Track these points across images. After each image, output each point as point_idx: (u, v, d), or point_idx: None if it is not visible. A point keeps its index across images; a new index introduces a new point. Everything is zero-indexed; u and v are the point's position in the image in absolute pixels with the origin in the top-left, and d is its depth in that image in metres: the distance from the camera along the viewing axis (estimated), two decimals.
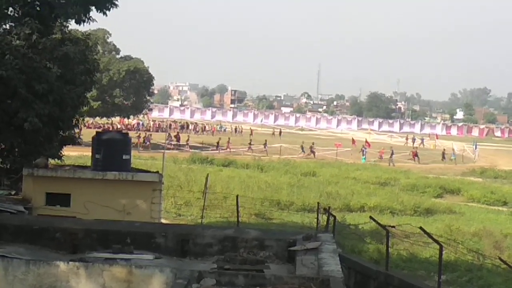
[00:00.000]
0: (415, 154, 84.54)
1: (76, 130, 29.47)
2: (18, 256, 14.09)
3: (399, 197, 48.23)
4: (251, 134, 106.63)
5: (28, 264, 13.43)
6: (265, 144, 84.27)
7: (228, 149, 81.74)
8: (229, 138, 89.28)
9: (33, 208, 20.60)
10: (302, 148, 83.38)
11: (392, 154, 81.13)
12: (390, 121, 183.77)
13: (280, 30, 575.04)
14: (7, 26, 27.82)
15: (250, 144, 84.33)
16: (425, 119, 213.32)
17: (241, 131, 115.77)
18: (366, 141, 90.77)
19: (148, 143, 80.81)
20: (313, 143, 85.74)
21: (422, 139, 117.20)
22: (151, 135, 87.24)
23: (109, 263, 13.67)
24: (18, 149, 25.75)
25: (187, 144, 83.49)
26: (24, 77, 24.74)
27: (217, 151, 79.35)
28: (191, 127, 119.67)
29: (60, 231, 15.95)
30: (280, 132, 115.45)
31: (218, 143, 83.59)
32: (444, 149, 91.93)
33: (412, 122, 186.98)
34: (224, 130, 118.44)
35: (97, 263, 13.68)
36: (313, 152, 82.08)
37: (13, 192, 22.37)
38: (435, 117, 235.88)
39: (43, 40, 26.13)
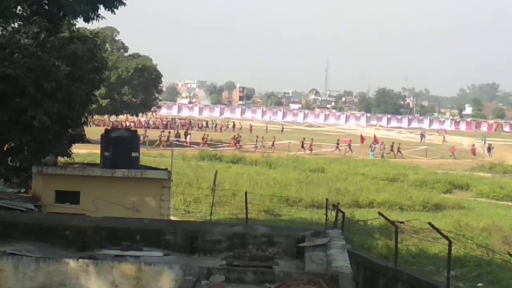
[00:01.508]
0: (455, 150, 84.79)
1: (85, 128, 29.56)
2: (28, 254, 14.15)
3: (408, 192, 48.21)
4: (251, 130, 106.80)
5: (38, 261, 13.48)
6: (273, 142, 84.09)
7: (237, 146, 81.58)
8: (239, 135, 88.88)
9: (43, 206, 20.67)
10: (303, 144, 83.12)
11: (398, 148, 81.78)
12: (399, 117, 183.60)
13: (289, 27, 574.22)
14: (16, 25, 27.94)
15: (256, 141, 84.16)
16: (433, 115, 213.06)
17: (240, 128, 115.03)
18: (375, 137, 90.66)
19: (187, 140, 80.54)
20: (311, 140, 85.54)
21: (422, 135, 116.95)
22: (188, 131, 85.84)
23: (118, 260, 13.71)
24: (27, 147, 25.85)
25: (187, 141, 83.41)
26: (33, 76, 24.83)
27: (233, 148, 79.51)
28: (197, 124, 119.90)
29: (69, 229, 16.01)
30: (283, 129, 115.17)
31: (234, 138, 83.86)
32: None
33: (421, 117, 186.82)
34: (233, 127, 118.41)
35: (106, 260, 13.72)
36: (307, 148, 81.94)
37: (22, 190, 22.45)
38: (443, 113, 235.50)
39: (52, 39, 26.21)
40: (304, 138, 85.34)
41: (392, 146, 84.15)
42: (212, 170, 41.92)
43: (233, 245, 15.69)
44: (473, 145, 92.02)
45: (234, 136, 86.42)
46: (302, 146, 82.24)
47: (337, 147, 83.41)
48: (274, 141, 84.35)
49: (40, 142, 25.40)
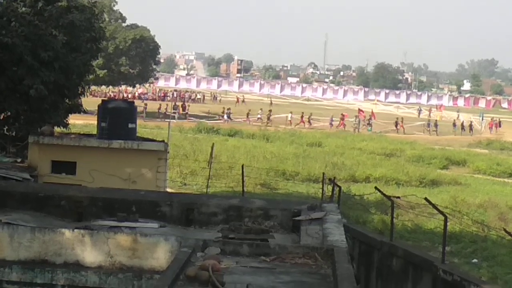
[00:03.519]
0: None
1: (82, 98, 29.47)
2: (23, 223, 14.15)
3: (404, 168, 48.23)
4: (237, 102, 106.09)
5: (34, 231, 13.48)
6: (269, 115, 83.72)
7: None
8: (228, 109, 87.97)
9: (39, 176, 20.65)
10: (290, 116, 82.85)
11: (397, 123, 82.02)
12: (397, 92, 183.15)
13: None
14: None
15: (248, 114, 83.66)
16: (432, 90, 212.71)
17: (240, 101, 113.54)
18: (372, 112, 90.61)
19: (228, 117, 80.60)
20: (310, 114, 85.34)
21: (419, 110, 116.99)
22: (229, 109, 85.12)
23: (114, 231, 13.72)
24: (24, 117, 25.78)
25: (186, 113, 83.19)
26: (30, 45, 24.70)
27: (222, 121, 79.10)
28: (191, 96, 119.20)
29: (65, 199, 16.01)
30: (271, 103, 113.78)
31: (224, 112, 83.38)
32: (458, 121, 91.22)
33: (419, 93, 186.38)
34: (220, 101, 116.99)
35: (102, 231, 13.72)
36: (306, 121, 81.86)
37: (18, 160, 22.43)
38: (442, 88, 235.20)
39: (49, 8, 26.05)
40: (303, 112, 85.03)
41: (396, 122, 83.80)
42: (209, 143, 41.90)
43: (229, 217, 15.71)
44: (460, 120, 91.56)
45: (224, 109, 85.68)
46: (302, 120, 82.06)
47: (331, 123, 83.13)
48: (270, 115, 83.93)
49: (37, 112, 25.33)
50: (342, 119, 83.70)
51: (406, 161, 53.60)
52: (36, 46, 24.80)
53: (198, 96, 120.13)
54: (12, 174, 19.58)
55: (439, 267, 17.45)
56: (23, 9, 25.83)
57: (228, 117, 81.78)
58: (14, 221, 14.33)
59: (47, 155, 21.20)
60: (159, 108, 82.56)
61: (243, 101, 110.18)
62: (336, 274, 10.76)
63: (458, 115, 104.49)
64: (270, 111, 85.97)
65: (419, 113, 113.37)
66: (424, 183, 43.88)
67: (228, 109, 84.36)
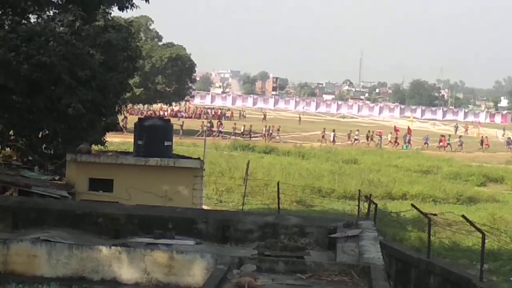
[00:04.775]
0: None
1: (120, 117, 29.74)
2: (61, 241, 14.26)
3: (441, 185, 47.87)
4: (264, 119, 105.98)
5: (71, 248, 13.59)
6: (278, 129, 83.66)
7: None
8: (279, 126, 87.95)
9: (76, 193, 20.84)
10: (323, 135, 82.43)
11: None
12: (433, 108, 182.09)
13: (323, 17, 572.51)
14: (51, 13, 28.17)
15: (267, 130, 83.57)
16: (468, 107, 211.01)
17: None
18: (409, 129, 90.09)
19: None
20: (279, 126, 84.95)
21: (456, 126, 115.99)
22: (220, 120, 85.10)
23: (150, 248, 13.78)
24: (62, 135, 26.07)
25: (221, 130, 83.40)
26: (67, 64, 25.01)
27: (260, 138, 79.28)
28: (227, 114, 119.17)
29: (102, 216, 16.11)
30: (300, 119, 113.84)
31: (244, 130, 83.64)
32: (483, 136, 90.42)
33: (455, 110, 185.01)
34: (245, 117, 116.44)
35: (138, 248, 13.79)
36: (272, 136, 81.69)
37: (56, 177, 22.65)
38: (479, 105, 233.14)
39: (86, 27, 26.37)
40: (324, 129, 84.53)
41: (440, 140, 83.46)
42: (244, 160, 41.94)
43: (265, 235, 15.68)
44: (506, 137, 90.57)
45: (244, 127, 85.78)
46: (323, 137, 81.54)
47: (370, 139, 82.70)
48: (279, 130, 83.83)
49: (75, 130, 25.60)
50: (368, 137, 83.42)
51: (443, 178, 53.18)
52: (74, 65, 25.10)
53: (227, 114, 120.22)
54: (50, 191, 19.78)
55: (477, 285, 17.23)
56: (61, 28, 26.18)
57: (270, 134, 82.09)
58: (52, 238, 14.45)
59: (84, 172, 21.39)
60: (202, 126, 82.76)
61: (264, 118, 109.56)
62: None
63: (504, 132, 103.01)
64: (274, 127, 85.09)
65: (456, 130, 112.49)
66: (461, 200, 43.49)
67: (271, 126, 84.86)
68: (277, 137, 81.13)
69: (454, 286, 18.35)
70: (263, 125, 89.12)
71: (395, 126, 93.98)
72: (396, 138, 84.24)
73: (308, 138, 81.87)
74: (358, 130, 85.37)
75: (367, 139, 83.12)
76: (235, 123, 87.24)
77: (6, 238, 14.15)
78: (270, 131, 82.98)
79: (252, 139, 78.26)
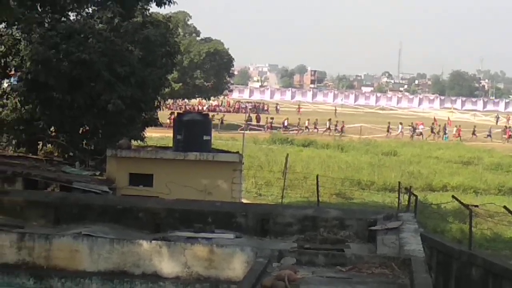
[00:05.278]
0: None
1: (158, 112, 29.89)
2: (102, 235, 14.42)
3: (482, 176, 47.41)
4: (299, 112, 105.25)
5: (112, 243, 13.73)
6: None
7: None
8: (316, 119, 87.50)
9: (117, 189, 21.01)
10: (329, 125, 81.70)
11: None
12: (474, 99, 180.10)
13: (361, 8, 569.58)
14: (90, 10, 28.42)
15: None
16: (509, 97, 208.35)
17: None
18: (449, 120, 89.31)
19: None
20: (389, 123, 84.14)
21: (497, 117, 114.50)
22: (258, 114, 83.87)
23: (190, 242, 13.87)
24: (102, 131, 26.31)
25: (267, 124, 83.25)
26: (107, 60, 25.22)
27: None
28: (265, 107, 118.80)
29: (143, 211, 16.24)
30: (335, 111, 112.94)
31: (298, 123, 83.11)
32: None
33: (496, 100, 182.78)
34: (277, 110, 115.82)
35: (179, 242, 13.89)
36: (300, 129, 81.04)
37: (97, 173, 22.86)
38: None
39: (125, 24, 26.56)
40: (330, 119, 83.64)
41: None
42: (283, 154, 41.96)
43: (304, 228, 15.68)
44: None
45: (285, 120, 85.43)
46: (329, 128, 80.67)
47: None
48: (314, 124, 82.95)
49: (114, 126, 25.82)
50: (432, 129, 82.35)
51: (484, 169, 52.63)
52: (113, 61, 25.30)
53: (265, 108, 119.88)
54: (91, 187, 19.98)
55: None
56: (100, 25, 26.41)
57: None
58: (94, 233, 14.62)
59: (125, 168, 21.56)
60: (248, 120, 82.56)
61: (298, 111, 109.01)
62: (414, 284, 10.64)
63: None
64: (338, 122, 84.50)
65: (497, 121, 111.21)
66: (503, 191, 43.07)
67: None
68: (341, 133, 79.46)
69: (497, 278, 18.20)
70: (297, 119, 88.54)
71: (434, 117, 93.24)
72: (436, 129, 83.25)
73: (372, 132, 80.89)
74: (401, 123, 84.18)
75: (432, 131, 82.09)
76: (272, 118, 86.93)
77: (49, 233, 14.35)
78: (335, 126, 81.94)
79: (290, 132, 77.99)
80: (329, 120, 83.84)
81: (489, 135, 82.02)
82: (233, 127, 76.73)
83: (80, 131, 26.66)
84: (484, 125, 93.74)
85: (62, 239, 13.90)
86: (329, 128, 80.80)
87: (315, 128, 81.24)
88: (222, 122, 77.05)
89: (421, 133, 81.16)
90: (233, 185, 21.45)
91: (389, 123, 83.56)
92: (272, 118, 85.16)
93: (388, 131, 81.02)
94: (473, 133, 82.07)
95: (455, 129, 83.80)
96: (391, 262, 12.13)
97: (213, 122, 71.88)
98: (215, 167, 21.49)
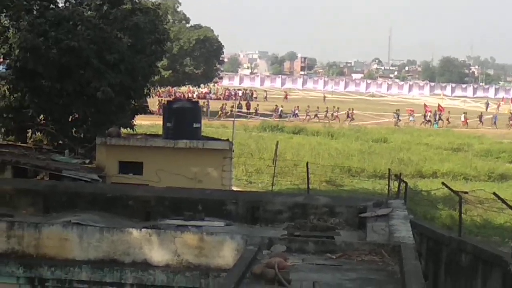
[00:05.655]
0: None
1: (148, 99, 29.82)
2: (92, 224, 14.39)
3: (472, 162, 47.49)
4: (285, 98, 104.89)
5: (102, 231, 13.72)
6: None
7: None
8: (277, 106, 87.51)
9: (107, 176, 20.99)
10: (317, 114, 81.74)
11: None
12: (463, 86, 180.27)
13: None
14: None
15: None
16: (499, 83, 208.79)
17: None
18: (439, 106, 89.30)
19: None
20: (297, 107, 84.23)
21: (487, 103, 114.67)
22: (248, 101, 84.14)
23: (181, 230, 13.87)
24: (91, 119, 26.24)
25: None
26: (96, 48, 25.12)
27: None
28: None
29: (133, 199, 16.22)
30: (324, 98, 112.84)
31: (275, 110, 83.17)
32: None
33: (486, 86, 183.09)
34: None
35: (169, 230, 13.88)
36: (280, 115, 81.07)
37: (87, 161, 22.82)
38: (510, 81, 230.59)
39: (114, 11, 26.47)
40: (398, 110, 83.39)
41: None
42: (273, 141, 41.93)
43: (295, 215, 15.70)
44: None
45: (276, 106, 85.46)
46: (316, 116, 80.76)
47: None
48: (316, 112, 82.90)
49: (104, 114, 25.75)
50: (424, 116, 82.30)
51: (474, 156, 52.73)
52: (102, 49, 25.21)
53: (255, 95, 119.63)
54: (81, 175, 19.95)
55: (510, 262, 17.12)
56: (89, 12, 26.30)
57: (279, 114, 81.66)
58: (83, 221, 14.59)
59: (114, 156, 21.53)
60: (222, 107, 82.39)
61: (285, 97, 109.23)
62: (404, 270, 10.65)
63: None
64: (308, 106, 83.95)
65: (487, 107, 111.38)
66: (492, 178, 43.15)
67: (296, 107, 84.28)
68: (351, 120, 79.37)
69: (486, 264, 18.26)
70: (286, 105, 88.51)
71: (424, 104, 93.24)
72: (435, 115, 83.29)
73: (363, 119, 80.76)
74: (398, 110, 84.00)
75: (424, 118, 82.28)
76: (282, 106, 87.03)
77: (38, 222, 14.32)
78: (332, 113, 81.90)
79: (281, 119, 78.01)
80: (317, 108, 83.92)
81: (495, 122, 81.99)
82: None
83: (70, 119, 26.60)
84: (474, 111, 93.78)
85: (52, 228, 13.87)
86: (316, 116, 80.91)
87: (315, 116, 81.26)
88: (208, 109, 76.77)
89: (429, 121, 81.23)
90: (223, 172, 21.44)
91: (397, 110, 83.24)
92: (282, 106, 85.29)
93: (397, 118, 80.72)
94: (480, 120, 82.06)
95: (463, 116, 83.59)
96: (381, 249, 12.15)
97: (211, 110, 71.75)
98: (205, 155, 21.47)
